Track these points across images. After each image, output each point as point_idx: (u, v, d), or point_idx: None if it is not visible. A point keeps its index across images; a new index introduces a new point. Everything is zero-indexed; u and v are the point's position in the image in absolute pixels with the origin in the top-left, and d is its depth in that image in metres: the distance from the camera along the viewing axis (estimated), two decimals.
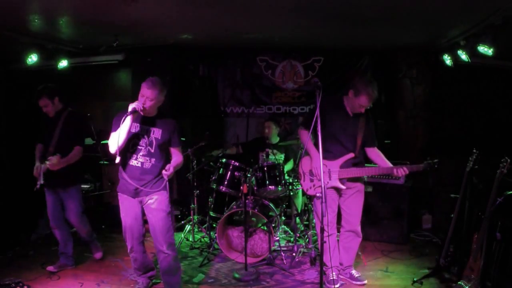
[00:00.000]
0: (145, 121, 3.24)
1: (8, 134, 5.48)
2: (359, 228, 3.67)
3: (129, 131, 3.13)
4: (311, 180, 3.57)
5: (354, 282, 3.73)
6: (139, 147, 3.21)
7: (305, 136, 3.54)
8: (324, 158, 3.17)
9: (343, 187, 3.52)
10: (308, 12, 3.99)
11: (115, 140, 3.06)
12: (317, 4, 3.71)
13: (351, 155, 3.50)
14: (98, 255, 4.29)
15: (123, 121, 3.01)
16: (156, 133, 3.23)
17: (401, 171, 3.38)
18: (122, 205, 3.33)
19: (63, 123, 3.83)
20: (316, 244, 4.32)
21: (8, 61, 5.48)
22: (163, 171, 3.18)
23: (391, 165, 3.52)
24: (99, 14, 3.98)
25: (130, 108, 3.05)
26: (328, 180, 3.49)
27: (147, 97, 3.11)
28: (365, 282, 3.72)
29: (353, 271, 3.78)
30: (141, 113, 3.13)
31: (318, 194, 3.44)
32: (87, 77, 6.03)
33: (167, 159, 3.34)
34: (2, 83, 5.56)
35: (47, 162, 3.65)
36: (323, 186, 2.92)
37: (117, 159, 3.07)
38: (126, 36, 4.91)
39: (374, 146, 3.65)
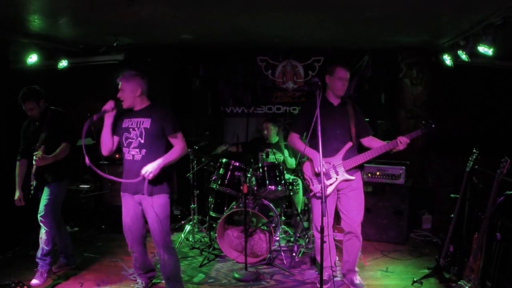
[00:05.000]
0: (134, 114, 3.27)
1: (8, 134, 5.47)
2: (359, 230, 3.51)
3: (119, 127, 3.26)
4: (319, 182, 3.30)
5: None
6: (130, 140, 3.22)
7: (296, 140, 3.57)
8: (324, 156, 3.13)
9: (352, 177, 3.45)
10: (308, 12, 3.99)
11: (102, 143, 3.29)
12: (317, 3, 3.71)
13: (349, 144, 3.46)
14: (35, 279, 3.69)
15: (87, 125, 3.04)
16: (145, 123, 3.20)
17: (404, 140, 3.35)
18: (123, 204, 3.33)
19: (49, 121, 3.72)
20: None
21: (8, 61, 5.47)
22: (141, 172, 3.03)
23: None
24: (99, 14, 3.98)
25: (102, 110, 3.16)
26: (336, 176, 3.44)
27: (121, 89, 3.25)
28: None
29: (354, 277, 3.61)
30: (112, 111, 3.18)
31: (318, 194, 3.44)
32: (87, 77, 6.02)
33: (166, 150, 3.21)
34: (2, 83, 5.55)
35: (34, 159, 3.58)
36: (323, 185, 2.92)
37: (86, 160, 3.04)
38: (126, 36, 4.91)
39: (369, 135, 3.62)
